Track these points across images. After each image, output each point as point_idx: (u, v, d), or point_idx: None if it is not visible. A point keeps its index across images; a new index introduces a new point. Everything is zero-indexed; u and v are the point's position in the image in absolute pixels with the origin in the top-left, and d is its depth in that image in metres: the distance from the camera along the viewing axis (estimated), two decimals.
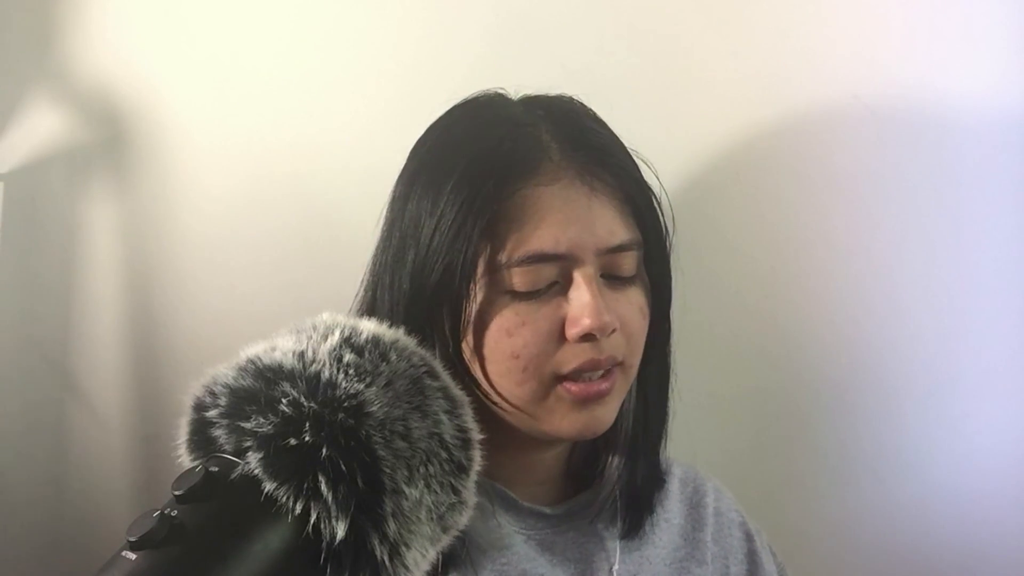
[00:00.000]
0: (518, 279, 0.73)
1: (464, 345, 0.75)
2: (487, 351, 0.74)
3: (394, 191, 0.81)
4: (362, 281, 0.82)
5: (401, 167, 0.82)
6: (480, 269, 0.73)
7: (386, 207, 0.81)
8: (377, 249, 0.81)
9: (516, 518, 0.80)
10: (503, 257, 0.73)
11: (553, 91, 0.83)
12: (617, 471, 0.82)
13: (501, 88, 0.83)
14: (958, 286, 0.98)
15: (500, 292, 0.74)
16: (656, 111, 1.03)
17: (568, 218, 0.74)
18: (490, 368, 0.75)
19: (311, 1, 1.14)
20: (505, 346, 0.74)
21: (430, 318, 0.75)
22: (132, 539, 0.43)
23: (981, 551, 0.99)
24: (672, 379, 0.85)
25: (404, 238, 0.77)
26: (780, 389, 1.03)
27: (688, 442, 0.97)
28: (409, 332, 0.65)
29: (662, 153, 0.92)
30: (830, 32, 1.00)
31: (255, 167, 1.15)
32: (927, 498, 1.00)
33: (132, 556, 0.43)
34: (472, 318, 0.74)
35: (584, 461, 0.86)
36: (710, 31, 1.03)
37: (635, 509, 0.84)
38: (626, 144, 0.82)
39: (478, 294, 0.74)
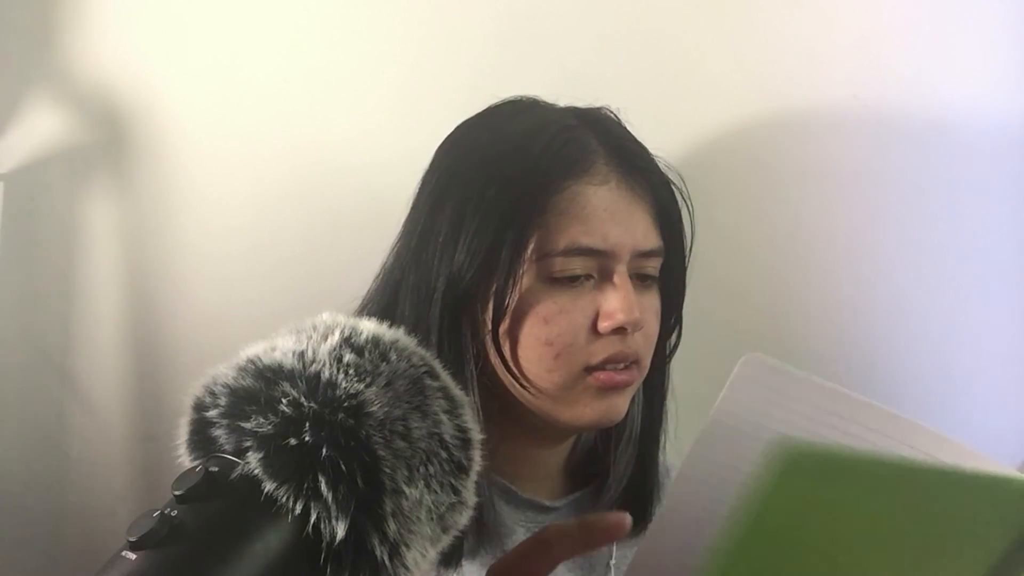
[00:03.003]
0: (560, 269, 0.77)
1: (500, 328, 0.78)
2: (521, 336, 0.77)
3: (425, 182, 0.83)
4: (382, 269, 0.84)
5: (429, 161, 0.84)
6: (526, 256, 0.76)
7: (413, 199, 0.83)
8: (405, 238, 0.83)
9: (516, 509, 0.82)
10: (549, 247, 0.77)
11: (551, 92, 0.85)
12: (625, 470, 0.84)
13: (536, 95, 0.85)
14: (959, 285, 0.98)
15: (540, 280, 0.77)
16: (655, 111, 1.03)
17: (613, 217, 0.78)
18: (521, 353, 0.78)
19: (312, 2, 1.14)
20: (540, 333, 0.77)
21: (468, 302, 0.78)
22: (132, 539, 0.43)
23: None
24: (669, 383, 0.88)
25: (442, 225, 0.79)
26: None
27: (691, 444, 0.97)
28: (442, 316, 0.75)
29: (661, 152, 0.92)
30: (830, 32, 1.00)
31: (255, 167, 1.15)
32: None
33: (132, 556, 0.43)
34: (512, 303, 0.77)
35: (583, 459, 0.88)
36: (710, 31, 1.03)
37: (635, 511, 0.84)
38: None
39: (521, 280, 0.76)
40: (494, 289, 0.76)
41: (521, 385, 0.78)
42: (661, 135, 1.01)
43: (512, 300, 0.76)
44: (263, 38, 1.15)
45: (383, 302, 0.82)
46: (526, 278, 0.77)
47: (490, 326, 0.77)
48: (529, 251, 0.76)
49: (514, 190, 0.77)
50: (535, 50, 1.06)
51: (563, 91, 0.85)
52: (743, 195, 1.03)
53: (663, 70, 1.04)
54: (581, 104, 0.85)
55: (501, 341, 0.78)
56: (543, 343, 0.77)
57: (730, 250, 1.03)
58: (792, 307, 1.03)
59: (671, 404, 0.88)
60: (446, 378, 0.52)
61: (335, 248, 1.11)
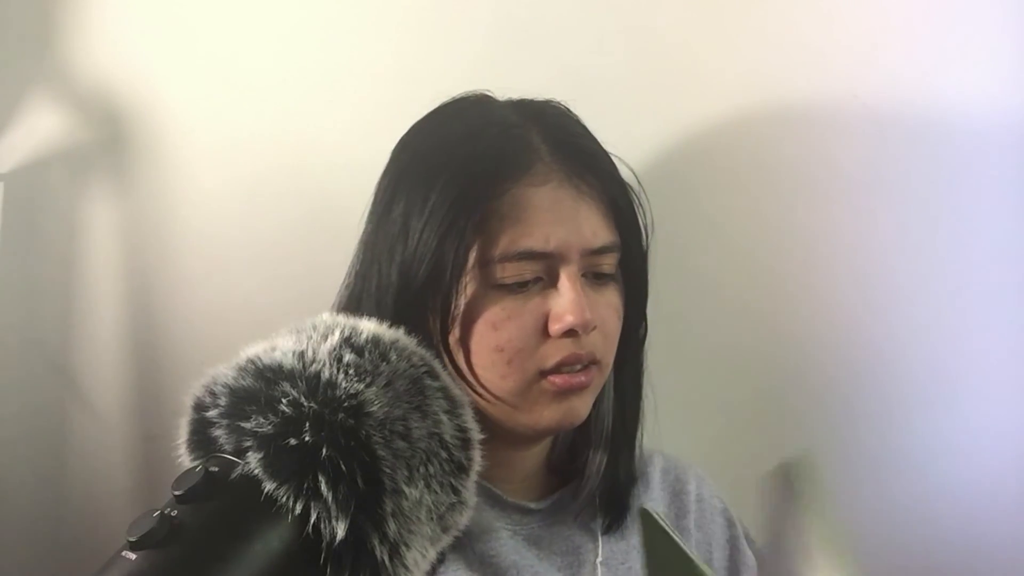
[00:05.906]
0: (506, 274, 0.75)
1: (450, 337, 0.77)
2: (472, 343, 0.76)
3: (379, 187, 0.83)
4: (346, 276, 0.84)
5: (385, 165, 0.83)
6: (469, 263, 0.75)
7: (370, 204, 0.83)
8: (362, 245, 0.83)
9: (501, 513, 0.81)
10: (493, 252, 0.75)
11: (551, 91, 0.84)
12: (599, 467, 0.84)
13: (487, 90, 0.84)
14: (959, 285, 0.98)
15: (487, 287, 0.76)
16: (654, 110, 1.03)
17: (557, 218, 0.76)
18: (474, 360, 0.77)
19: (310, 1, 1.14)
20: (490, 339, 0.76)
21: (417, 310, 0.77)
22: (132, 539, 0.43)
23: (983, 551, 0.99)
24: (646, 379, 0.87)
25: (392, 233, 0.78)
26: (781, 389, 1.03)
27: (689, 444, 0.97)
28: (395, 325, 0.70)
29: (661, 151, 0.93)
30: (830, 31, 1.00)
31: (255, 167, 1.15)
32: (929, 498, 0.99)
33: (132, 556, 0.43)
34: (459, 311, 0.76)
35: (564, 457, 0.88)
36: (709, 30, 1.03)
37: (615, 505, 0.85)
38: (623, 142, 0.82)
39: (467, 287, 0.75)
40: (440, 298, 0.76)
41: (477, 393, 0.77)
42: (660, 134, 1.02)
43: (457, 309, 0.75)
44: (262, 38, 1.15)
45: (349, 310, 0.81)
46: (472, 285, 0.76)
47: (439, 335, 0.76)
48: (472, 259, 0.75)
49: (454, 197, 0.76)
50: (534, 49, 1.06)
51: (563, 90, 0.85)
52: (742, 194, 1.03)
53: (663, 69, 1.04)
54: (580, 103, 0.85)
55: (454, 350, 0.77)
56: (494, 349, 0.76)
57: (729, 249, 1.03)
58: (792, 306, 1.03)
59: (664, 401, 0.87)
60: (446, 378, 0.52)
61: (335, 247, 1.10)
